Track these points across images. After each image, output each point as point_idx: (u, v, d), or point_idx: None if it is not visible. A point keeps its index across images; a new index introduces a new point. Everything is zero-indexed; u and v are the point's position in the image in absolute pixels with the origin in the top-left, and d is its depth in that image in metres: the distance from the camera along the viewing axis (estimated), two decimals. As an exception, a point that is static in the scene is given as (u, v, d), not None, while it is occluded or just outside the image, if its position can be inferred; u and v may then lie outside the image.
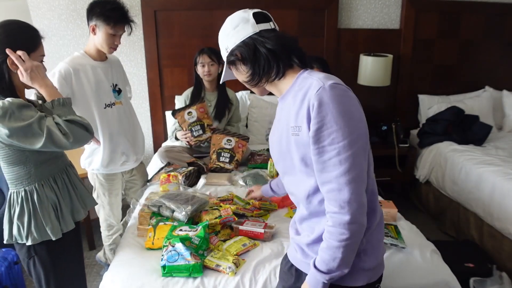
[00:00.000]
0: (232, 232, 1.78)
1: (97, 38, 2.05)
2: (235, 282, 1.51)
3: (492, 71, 3.63)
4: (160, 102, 3.31)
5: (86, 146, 2.27)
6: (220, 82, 1.32)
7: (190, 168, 2.36)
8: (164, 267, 1.52)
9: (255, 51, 1.14)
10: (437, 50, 3.51)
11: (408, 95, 3.55)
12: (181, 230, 1.66)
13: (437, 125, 3.25)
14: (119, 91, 2.23)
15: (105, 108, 2.15)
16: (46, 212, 1.52)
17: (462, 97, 3.53)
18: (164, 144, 3.05)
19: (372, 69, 3.17)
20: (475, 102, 3.44)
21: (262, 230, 1.73)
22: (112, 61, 2.24)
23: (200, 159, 2.61)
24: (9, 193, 1.56)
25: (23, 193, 1.51)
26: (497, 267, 2.34)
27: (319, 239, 1.13)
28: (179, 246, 1.55)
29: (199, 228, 1.65)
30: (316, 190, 1.12)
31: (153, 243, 1.70)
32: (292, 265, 1.27)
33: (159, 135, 3.38)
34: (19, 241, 1.54)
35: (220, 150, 2.52)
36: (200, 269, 1.53)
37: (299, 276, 1.23)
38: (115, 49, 2.10)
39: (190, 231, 1.64)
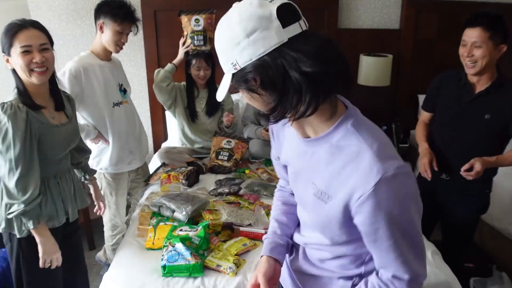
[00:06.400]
0: (233, 234, 1.78)
1: (104, 36, 2.08)
2: (236, 282, 1.51)
3: (492, 71, 3.63)
4: (159, 102, 3.30)
5: (94, 146, 2.27)
6: (219, 100, 0.88)
7: (190, 168, 2.36)
8: (164, 267, 1.52)
9: (285, 76, 0.74)
10: (437, 50, 3.50)
11: (408, 95, 3.54)
12: (181, 230, 1.66)
13: (437, 125, 3.24)
14: (124, 91, 2.27)
15: (113, 107, 2.17)
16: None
17: (462, 97, 3.53)
18: (163, 145, 3.04)
19: (372, 69, 3.17)
20: (475, 102, 3.44)
21: (262, 231, 1.73)
22: (115, 62, 2.27)
23: (200, 160, 2.60)
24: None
25: None
26: (497, 267, 2.34)
27: None
28: (179, 246, 1.55)
29: (199, 228, 1.65)
30: (332, 256, 0.97)
31: (153, 243, 1.70)
32: None
33: (159, 135, 3.37)
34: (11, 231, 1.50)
35: (219, 150, 2.53)
36: (201, 269, 1.53)
37: None
38: (121, 48, 2.14)
39: (191, 231, 1.64)
